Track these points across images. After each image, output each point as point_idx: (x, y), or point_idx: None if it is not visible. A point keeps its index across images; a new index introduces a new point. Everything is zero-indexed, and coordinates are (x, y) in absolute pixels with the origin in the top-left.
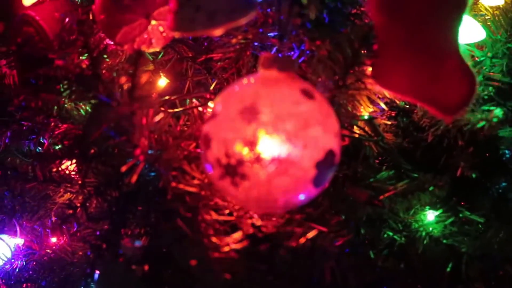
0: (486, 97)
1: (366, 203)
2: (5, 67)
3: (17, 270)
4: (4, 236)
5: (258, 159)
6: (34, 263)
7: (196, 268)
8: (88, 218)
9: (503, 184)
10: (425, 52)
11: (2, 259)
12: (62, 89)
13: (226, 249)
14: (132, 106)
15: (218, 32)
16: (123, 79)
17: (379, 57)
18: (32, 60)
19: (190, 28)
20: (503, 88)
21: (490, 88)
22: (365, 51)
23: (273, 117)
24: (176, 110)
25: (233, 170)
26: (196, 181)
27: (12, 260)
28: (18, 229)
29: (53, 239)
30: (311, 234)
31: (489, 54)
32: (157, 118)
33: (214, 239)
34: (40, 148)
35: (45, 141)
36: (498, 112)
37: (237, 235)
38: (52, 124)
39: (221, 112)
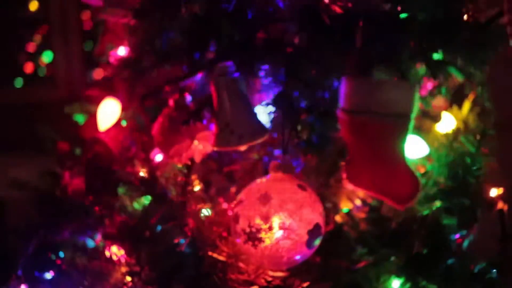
0: (431, 194)
1: (347, 271)
2: (68, 177)
3: None
4: None
5: (270, 228)
6: None
7: None
8: (142, 283)
9: (450, 261)
10: (381, 161)
11: None
12: (124, 190)
13: None
14: (185, 197)
15: (243, 148)
16: (180, 178)
17: (350, 164)
18: (98, 171)
19: (227, 145)
20: (444, 189)
21: (435, 189)
22: (341, 161)
23: (280, 201)
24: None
25: (254, 236)
26: (224, 253)
27: None
28: None
29: None
30: (305, 284)
31: (436, 165)
32: (199, 207)
33: None
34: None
35: (98, 235)
36: (437, 203)
37: (255, 287)
38: (114, 216)
39: (245, 198)
